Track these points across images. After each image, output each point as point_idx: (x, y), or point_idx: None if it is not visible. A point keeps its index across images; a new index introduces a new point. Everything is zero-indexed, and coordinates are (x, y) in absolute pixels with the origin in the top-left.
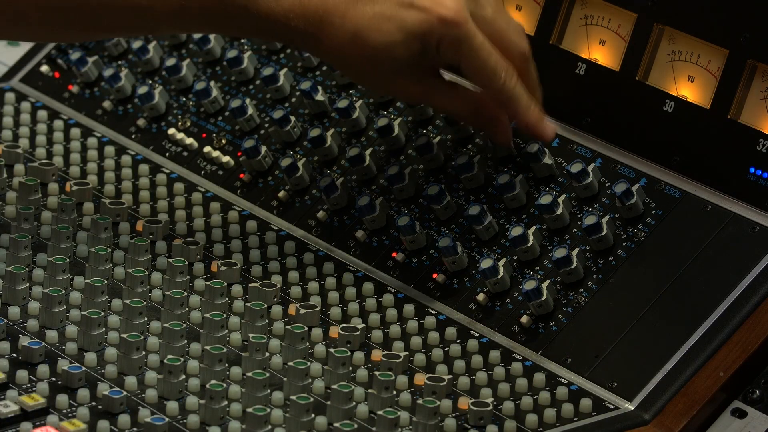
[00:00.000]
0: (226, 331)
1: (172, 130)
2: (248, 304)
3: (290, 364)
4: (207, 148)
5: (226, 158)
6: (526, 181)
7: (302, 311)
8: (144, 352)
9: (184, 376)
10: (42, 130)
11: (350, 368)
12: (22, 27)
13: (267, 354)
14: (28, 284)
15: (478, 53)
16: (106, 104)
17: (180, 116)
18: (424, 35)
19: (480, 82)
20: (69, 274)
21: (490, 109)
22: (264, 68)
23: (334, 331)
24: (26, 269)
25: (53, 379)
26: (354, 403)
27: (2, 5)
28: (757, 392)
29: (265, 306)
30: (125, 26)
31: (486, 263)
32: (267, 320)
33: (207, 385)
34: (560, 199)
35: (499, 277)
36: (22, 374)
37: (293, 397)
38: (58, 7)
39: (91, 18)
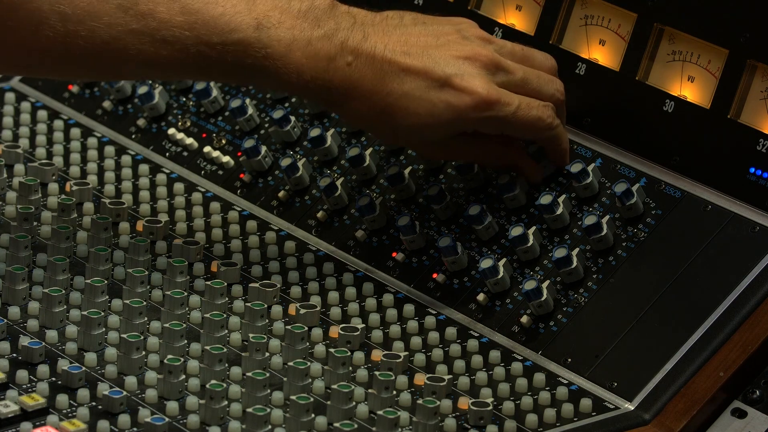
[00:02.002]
0: (226, 331)
1: (172, 130)
2: (248, 304)
3: (290, 364)
4: (207, 148)
5: (226, 158)
6: (526, 181)
7: (302, 311)
8: (144, 352)
9: (184, 376)
10: (42, 130)
11: (350, 368)
12: (33, 72)
13: (267, 354)
14: (28, 284)
15: (517, 118)
16: (106, 104)
17: (180, 116)
18: (455, 121)
19: (527, 136)
20: (69, 274)
21: (513, 156)
22: None
23: (334, 331)
24: (26, 269)
25: (53, 379)
26: (354, 403)
27: (17, 58)
28: (757, 392)
29: (265, 306)
30: (144, 75)
31: (486, 263)
32: (267, 320)
33: (207, 385)
34: (560, 199)
35: (499, 277)
36: (22, 374)
37: (293, 397)
38: (74, 59)
39: (109, 63)
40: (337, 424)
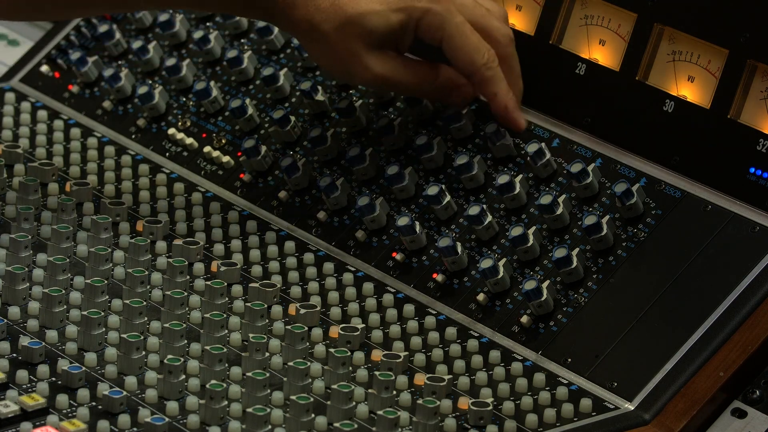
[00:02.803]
0: (226, 331)
1: (172, 130)
2: (248, 304)
3: (290, 364)
4: (207, 148)
5: (226, 158)
6: (526, 181)
7: (302, 311)
8: (144, 352)
9: (184, 376)
10: (42, 130)
11: (350, 368)
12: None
13: (267, 354)
14: (28, 284)
15: (461, 29)
16: (106, 104)
17: (180, 116)
18: (406, 7)
19: (461, 59)
20: (69, 274)
21: (450, 75)
22: (264, 68)
23: (334, 331)
24: (26, 269)
25: (53, 379)
26: (354, 403)
27: None
28: (757, 392)
29: (265, 306)
30: (101, 1)
31: (486, 263)
32: (267, 320)
33: (207, 385)
34: (560, 199)
35: (499, 277)
36: (22, 374)
37: (293, 397)
38: None
39: None
40: (337, 424)
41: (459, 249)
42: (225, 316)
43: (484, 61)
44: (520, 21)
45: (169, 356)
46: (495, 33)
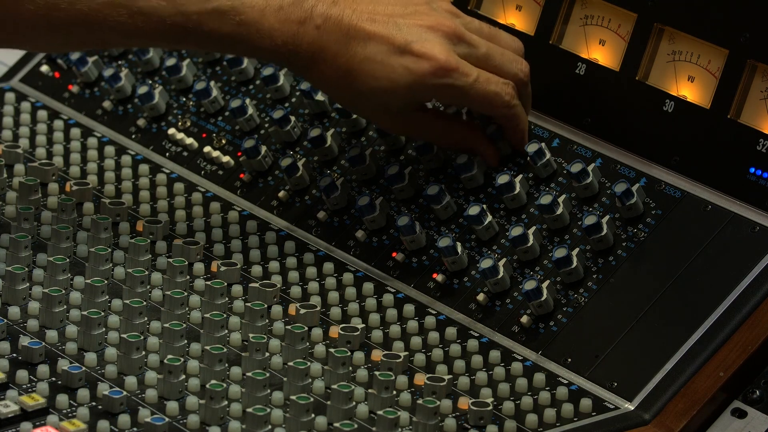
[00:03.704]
0: (226, 331)
1: (172, 130)
2: (248, 304)
3: (290, 364)
4: (207, 148)
5: (226, 158)
6: (526, 181)
7: (302, 311)
8: (144, 352)
9: (184, 376)
10: (42, 130)
11: (350, 368)
12: (18, 43)
13: (267, 354)
14: (28, 284)
15: (475, 89)
16: (106, 104)
17: (180, 116)
18: (416, 86)
19: (484, 111)
20: (69, 274)
21: (473, 139)
22: (264, 68)
23: (334, 331)
24: (26, 269)
25: (53, 379)
26: (354, 403)
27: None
28: (757, 392)
29: (265, 306)
30: (125, 44)
31: (486, 263)
32: (267, 320)
33: (207, 385)
34: (560, 199)
35: (499, 277)
36: (22, 374)
37: (293, 397)
38: (56, 29)
39: (90, 34)
40: (337, 424)
41: (459, 249)
42: (225, 316)
43: (505, 103)
44: (520, 21)
45: (169, 356)
46: (512, 72)
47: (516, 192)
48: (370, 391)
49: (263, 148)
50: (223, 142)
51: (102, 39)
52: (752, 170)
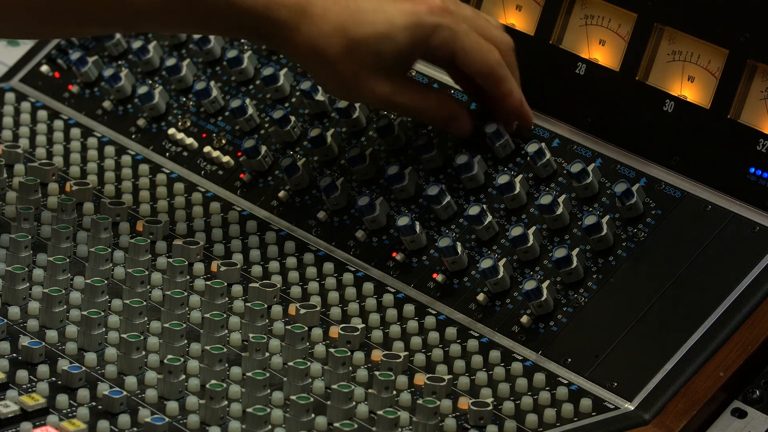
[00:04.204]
0: (226, 331)
1: (172, 130)
2: (248, 304)
3: (290, 364)
4: (207, 148)
5: (226, 158)
6: (526, 181)
7: (302, 311)
8: (144, 352)
9: (184, 376)
10: (42, 130)
11: (350, 368)
12: (9, 23)
13: (267, 354)
14: (28, 284)
15: (471, 38)
16: (106, 104)
17: (180, 116)
18: (413, 27)
19: (476, 65)
20: (69, 274)
21: (452, 105)
22: (264, 68)
23: (334, 331)
24: (26, 269)
25: (53, 379)
26: (354, 403)
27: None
28: (757, 392)
29: (265, 306)
30: (104, 20)
31: (486, 263)
32: (267, 320)
33: (207, 385)
34: (560, 199)
35: (499, 277)
36: (22, 374)
37: (293, 397)
38: (44, 4)
39: (73, 11)
40: (337, 424)
41: (459, 249)
42: (225, 316)
43: (498, 60)
44: (520, 21)
45: (169, 356)
46: (497, 41)
47: (516, 192)
48: (370, 391)
49: (263, 148)
50: (223, 142)
51: (85, 17)
52: (752, 170)
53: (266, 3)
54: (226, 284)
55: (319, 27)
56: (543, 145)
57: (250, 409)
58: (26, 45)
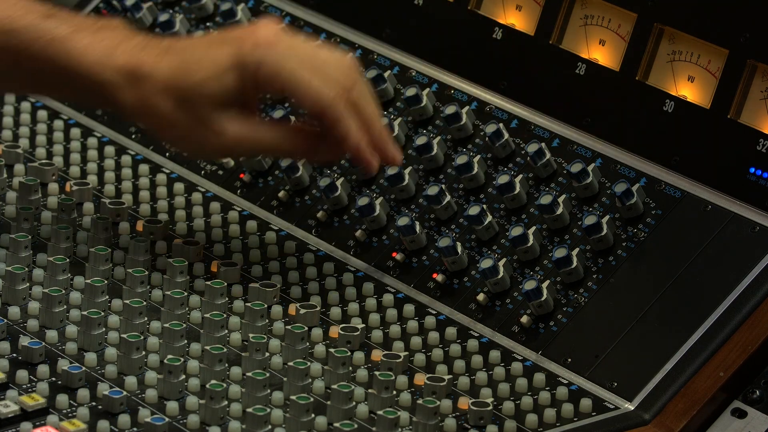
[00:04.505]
0: (226, 331)
1: None
2: (248, 304)
3: (290, 364)
4: None
5: (225, 158)
6: (526, 181)
7: (302, 311)
8: (144, 352)
9: (184, 376)
10: (42, 130)
11: (350, 368)
12: None
13: (267, 354)
14: (28, 284)
15: (297, 75)
16: None
17: None
18: (238, 66)
19: (306, 105)
20: (69, 274)
21: (310, 139)
22: None
23: (334, 331)
24: (26, 269)
25: (53, 379)
26: (354, 403)
27: None
28: (757, 392)
29: (265, 306)
30: None
31: (486, 263)
32: (267, 320)
33: (207, 385)
34: (560, 199)
35: (499, 277)
36: (22, 374)
37: (293, 397)
38: None
39: None
40: (337, 424)
41: (459, 249)
42: (225, 316)
43: (331, 99)
44: (520, 21)
45: (169, 356)
46: (338, 77)
47: (516, 192)
48: (370, 391)
49: None
50: None
51: None
52: (752, 170)
53: (91, 65)
54: (226, 284)
55: (150, 87)
56: (543, 145)
57: (250, 409)
58: None
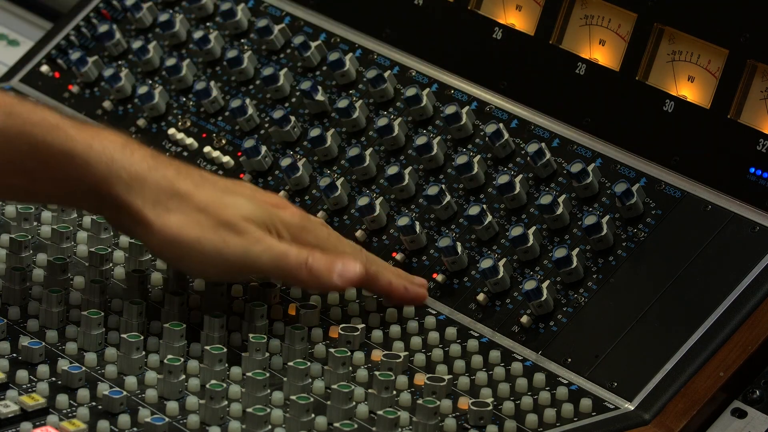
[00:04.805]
0: (227, 332)
1: (172, 130)
2: (248, 305)
3: (290, 364)
4: (207, 148)
5: (226, 158)
6: (526, 181)
7: (302, 311)
8: (144, 352)
9: (184, 376)
10: None
11: (350, 368)
12: None
13: (267, 354)
14: (28, 284)
15: (319, 263)
16: (106, 104)
17: (180, 116)
18: (244, 266)
19: (349, 282)
20: (69, 274)
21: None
22: (264, 68)
23: (334, 331)
24: (26, 269)
25: (53, 379)
26: (354, 403)
27: None
28: (757, 392)
29: (265, 306)
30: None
31: (486, 263)
32: (267, 320)
33: (207, 385)
34: (560, 199)
35: (499, 277)
36: (22, 374)
37: (293, 397)
38: None
39: None
40: (337, 424)
41: (459, 249)
42: (225, 316)
43: (292, 263)
44: (520, 21)
45: (169, 356)
46: (345, 246)
47: (516, 192)
48: (370, 391)
49: (263, 148)
50: (223, 142)
51: None
52: (752, 170)
53: (117, 159)
54: (225, 284)
55: (152, 240)
56: (543, 145)
57: (250, 409)
58: (26, 45)
